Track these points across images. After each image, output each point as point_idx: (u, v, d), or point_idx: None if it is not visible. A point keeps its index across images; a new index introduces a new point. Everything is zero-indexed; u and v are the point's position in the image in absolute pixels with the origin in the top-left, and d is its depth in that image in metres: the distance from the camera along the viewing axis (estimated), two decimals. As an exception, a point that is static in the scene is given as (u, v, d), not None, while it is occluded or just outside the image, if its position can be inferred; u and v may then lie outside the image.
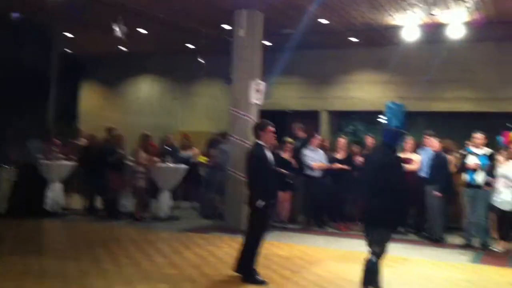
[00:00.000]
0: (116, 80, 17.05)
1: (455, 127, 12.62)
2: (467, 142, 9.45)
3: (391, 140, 5.78)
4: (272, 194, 6.48)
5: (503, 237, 8.80)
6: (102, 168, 10.90)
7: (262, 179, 6.30)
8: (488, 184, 8.74)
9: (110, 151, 10.94)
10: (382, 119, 5.85)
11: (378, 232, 5.64)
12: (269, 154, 6.43)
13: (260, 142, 6.43)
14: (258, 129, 6.49)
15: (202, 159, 12.21)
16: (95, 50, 15.80)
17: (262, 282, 6.27)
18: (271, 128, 6.46)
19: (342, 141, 10.61)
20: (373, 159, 5.99)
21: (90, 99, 17.60)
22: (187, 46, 14.08)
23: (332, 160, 10.52)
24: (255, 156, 6.40)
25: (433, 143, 9.50)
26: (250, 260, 6.40)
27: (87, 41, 14.69)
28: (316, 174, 10.43)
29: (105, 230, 9.69)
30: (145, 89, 16.84)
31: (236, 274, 6.48)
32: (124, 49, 15.52)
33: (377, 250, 5.65)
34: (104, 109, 17.26)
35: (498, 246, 8.76)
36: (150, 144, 11.15)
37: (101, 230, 9.69)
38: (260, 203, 6.18)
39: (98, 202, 11.48)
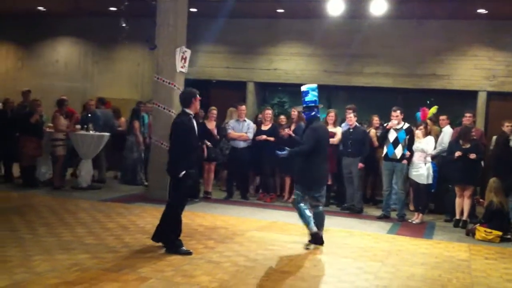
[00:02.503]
0: (33, 41, 16.21)
1: (375, 101, 13.03)
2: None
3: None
4: (193, 164, 6.48)
5: (419, 209, 9.22)
6: (18, 134, 10.43)
7: (185, 148, 6.29)
8: (405, 157, 9.11)
9: (26, 115, 10.46)
10: (310, 99, 7.20)
11: (321, 189, 7.17)
12: (194, 124, 6.43)
13: (187, 110, 6.41)
14: (188, 97, 6.46)
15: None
16: (10, 9, 14.94)
17: (187, 253, 6.28)
18: (199, 97, 6.49)
19: (268, 112, 10.68)
20: (322, 132, 7.26)
21: (4, 60, 16.66)
22: (109, 8, 13.58)
23: (257, 131, 10.58)
24: (180, 124, 6.37)
25: (351, 118, 9.77)
26: (173, 230, 6.38)
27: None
28: (240, 145, 10.47)
29: (22, 198, 9.32)
30: (64, 52, 16.12)
31: (154, 243, 6.46)
32: (41, 8, 14.79)
33: (324, 200, 7.36)
34: (20, 72, 16.42)
35: (415, 218, 9.18)
36: (68, 110, 10.75)
37: (18, 198, 9.32)
38: (181, 172, 6.19)
39: (16, 170, 10.99)
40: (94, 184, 10.83)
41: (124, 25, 10.57)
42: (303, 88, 7.30)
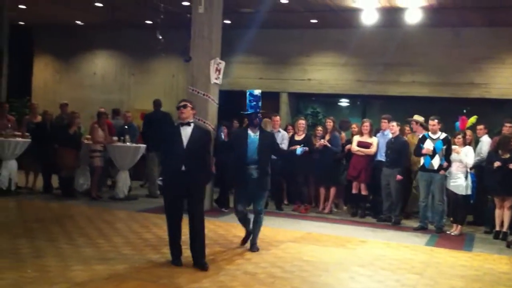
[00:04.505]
0: (71, 54, 16.59)
1: (411, 111, 12.87)
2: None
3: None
4: (173, 173, 6.15)
5: (458, 220, 9.03)
6: (56, 146, 10.65)
7: (162, 155, 6.37)
8: (443, 168, 8.95)
9: (64, 127, 10.68)
10: (254, 105, 7.11)
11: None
12: (184, 132, 6.17)
13: (179, 120, 6.37)
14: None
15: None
16: (49, 22, 15.33)
17: (173, 263, 6.23)
18: (178, 105, 6.30)
19: (301, 122, 10.65)
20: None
21: (43, 73, 17.09)
22: (145, 21, 13.81)
23: (291, 141, 10.55)
24: (162, 132, 6.48)
25: (393, 127, 9.65)
26: (169, 241, 6.33)
27: (40, 13, 14.22)
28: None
29: (61, 209, 9.50)
30: (101, 64, 16.46)
31: (190, 253, 6.36)
32: (79, 22, 15.12)
33: None
34: (58, 84, 16.80)
35: (453, 230, 9.00)
36: (105, 122, 10.95)
37: (57, 209, 9.50)
38: (159, 179, 6.25)
39: (55, 181, 11.20)
40: (130, 195, 10.96)
41: (160, 37, 10.72)
42: (257, 93, 7.18)
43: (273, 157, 8.91)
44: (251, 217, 7.25)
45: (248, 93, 7.18)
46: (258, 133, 7.08)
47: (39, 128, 11.21)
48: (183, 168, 6.05)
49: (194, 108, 6.40)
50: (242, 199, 7.13)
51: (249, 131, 7.09)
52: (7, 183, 10.49)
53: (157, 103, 11.60)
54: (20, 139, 10.71)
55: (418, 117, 10.13)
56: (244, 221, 7.26)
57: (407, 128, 10.48)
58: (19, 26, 15.58)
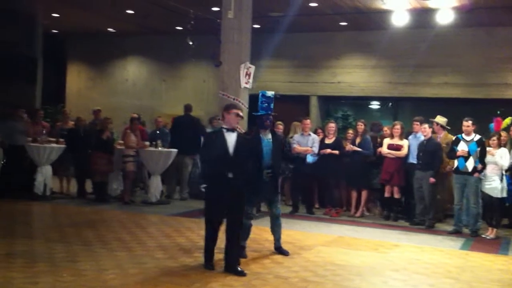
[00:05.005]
0: (103, 61, 16.86)
1: (443, 113, 12.70)
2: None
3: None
4: (218, 179, 6.03)
5: (493, 224, 8.85)
6: (89, 151, 10.83)
7: (205, 161, 6.28)
8: (477, 170, 8.78)
9: (97, 133, 10.86)
10: (266, 106, 6.82)
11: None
12: (229, 138, 6.09)
13: (222, 123, 6.29)
14: (223, 110, 6.34)
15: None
16: (81, 30, 15.62)
17: (206, 267, 6.20)
18: (235, 111, 6.20)
19: (331, 126, 10.60)
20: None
21: (76, 80, 17.41)
22: (176, 28, 13.95)
23: (321, 145, 10.51)
24: (206, 137, 6.50)
25: (425, 129, 9.53)
26: (205, 245, 6.28)
27: (73, 21, 14.50)
28: (308, 159, 10.40)
29: (94, 213, 9.64)
30: (133, 71, 16.68)
31: (222, 257, 6.33)
32: (111, 30, 15.35)
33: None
34: (91, 91, 17.09)
35: (488, 233, 8.82)
36: (138, 127, 11.09)
37: (90, 214, 9.63)
38: (202, 186, 6.13)
39: (88, 186, 11.38)
40: (162, 199, 11.07)
41: (190, 43, 10.82)
42: (269, 94, 6.89)
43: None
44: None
45: (260, 94, 6.90)
46: (270, 137, 6.85)
47: (70, 134, 11.40)
48: (230, 175, 6.02)
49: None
50: (255, 204, 7.09)
51: (261, 135, 6.79)
52: (42, 188, 10.71)
53: (186, 108, 11.70)
54: (54, 145, 10.92)
55: (439, 118, 9.93)
56: (249, 230, 6.93)
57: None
58: (53, 34, 15.91)
